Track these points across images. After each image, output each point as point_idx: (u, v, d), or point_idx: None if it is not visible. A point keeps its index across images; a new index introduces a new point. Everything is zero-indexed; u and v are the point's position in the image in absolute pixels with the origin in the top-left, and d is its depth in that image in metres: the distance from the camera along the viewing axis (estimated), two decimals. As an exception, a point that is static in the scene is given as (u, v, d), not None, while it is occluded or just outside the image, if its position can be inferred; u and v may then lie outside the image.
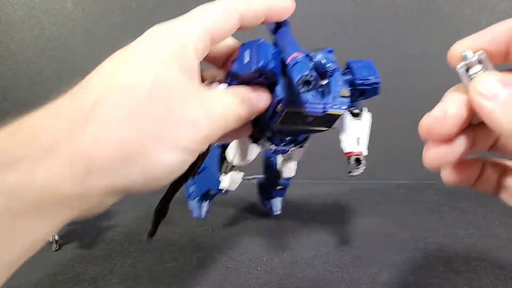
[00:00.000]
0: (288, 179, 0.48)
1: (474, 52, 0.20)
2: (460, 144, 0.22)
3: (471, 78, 0.20)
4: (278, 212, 0.52)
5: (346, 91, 0.28)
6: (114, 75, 0.21)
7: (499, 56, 0.21)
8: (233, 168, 0.41)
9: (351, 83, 0.30)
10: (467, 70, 0.20)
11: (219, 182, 0.42)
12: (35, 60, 0.65)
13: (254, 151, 0.38)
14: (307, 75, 0.23)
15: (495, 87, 0.18)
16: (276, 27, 0.28)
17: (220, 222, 0.52)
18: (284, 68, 0.26)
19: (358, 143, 0.34)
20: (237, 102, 0.24)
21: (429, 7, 0.63)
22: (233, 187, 0.43)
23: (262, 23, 0.27)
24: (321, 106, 0.27)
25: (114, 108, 0.20)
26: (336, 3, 0.64)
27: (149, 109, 0.20)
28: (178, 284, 0.38)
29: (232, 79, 0.27)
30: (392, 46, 0.65)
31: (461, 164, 0.23)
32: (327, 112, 0.27)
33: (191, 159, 0.22)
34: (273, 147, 0.33)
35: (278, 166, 0.48)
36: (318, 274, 0.39)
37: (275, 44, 0.27)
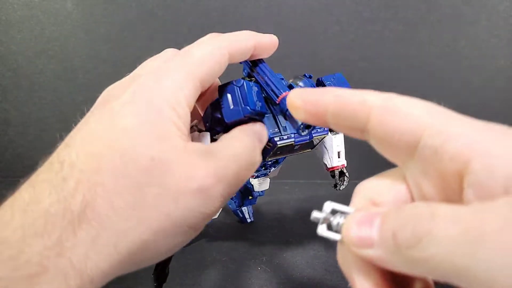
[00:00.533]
0: (262, 191, 0.47)
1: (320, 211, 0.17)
2: None
3: (338, 231, 0.17)
4: (251, 219, 0.51)
5: None
6: (101, 157, 0.18)
7: None
8: None
9: None
10: (329, 227, 0.17)
11: None
12: (35, 60, 0.65)
13: None
14: None
15: (365, 232, 0.15)
16: (253, 64, 0.27)
17: (219, 222, 0.52)
18: (267, 102, 0.26)
19: (339, 157, 0.36)
20: (251, 148, 0.22)
21: (429, 7, 0.63)
22: (215, 216, 0.42)
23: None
24: (307, 134, 0.27)
25: (107, 205, 0.17)
26: (336, 3, 0.64)
27: (148, 196, 0.18)
28: (178, 284, 0.38)
29: (214, 124, 0.25)
30: (392, 46, 0.65)
31: None
32: (313, 138, 0.28)
33: (196, 234, 0.20)
34: (254, 173, 0.34)
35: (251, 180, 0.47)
36: (318, 274, 0.39)
37: (250, 76, 0.27)
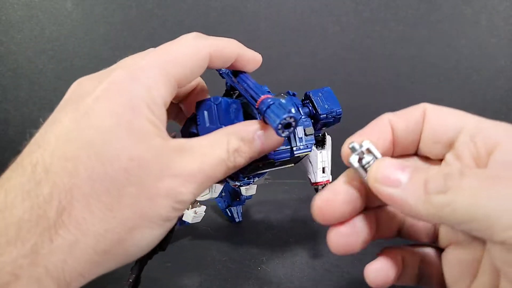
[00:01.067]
0: (250, 195, 0.47)
1: (359, 143, 0.19)
2: (361, 227, 0.21)
3: (366, 168, 0.19)
4: (240, 219, 0.51)
5: (310, 129, 0.27)
6: (77, 158, 0.17)
7: (387, 149, 0.21)
8: (196, 202, 0.41)
9: (313, 116, 0.29)
10: (359, 161, 0.19)
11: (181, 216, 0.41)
12: (35, 60, 0.65)
13: (218, 187, 0.37)
14: (286, 118, 0.20)
15: (395, 174, 0.17)
16: (235, 74, 0.26)
17: (220, 222, 0.52)
18: (249, 118, 0.25)
19: (323, 172, 0.35)
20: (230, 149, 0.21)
21: (429, 7, 0.63)
22: (197, 220, 0.42)
23: (228, 67, 0.25)
24: (288, 151, 0.26)
25: (84, 208, 0.17)
26: (336, 3, 0.64)
27: (125, 196, 0.18)
28: (178, 284, 0.38)
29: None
30: (392, 46, 0.65)
31: (384, 262, 0.22)
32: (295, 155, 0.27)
33: (172, 224, 0.20)
34: (237, 183, 0.33)
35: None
36: (318, 274, 0.39)
37: (233, 88, 0.26)
